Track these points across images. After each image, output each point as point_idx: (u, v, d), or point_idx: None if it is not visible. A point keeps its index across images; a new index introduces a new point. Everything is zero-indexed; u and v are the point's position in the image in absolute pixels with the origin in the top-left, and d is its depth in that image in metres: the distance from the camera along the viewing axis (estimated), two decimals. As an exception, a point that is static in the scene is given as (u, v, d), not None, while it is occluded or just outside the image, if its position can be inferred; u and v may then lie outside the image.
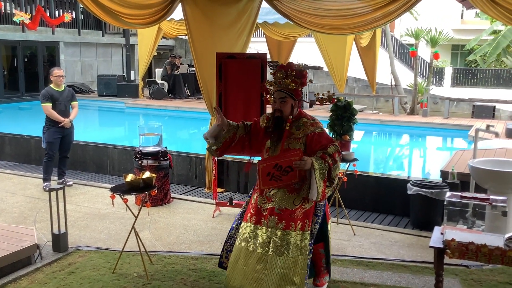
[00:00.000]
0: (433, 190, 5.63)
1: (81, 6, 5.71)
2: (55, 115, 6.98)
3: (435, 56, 14.99)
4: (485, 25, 23.75)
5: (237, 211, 6.24)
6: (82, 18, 21.14)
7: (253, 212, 3.81)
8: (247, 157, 6.86)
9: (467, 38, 25.75)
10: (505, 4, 5.02)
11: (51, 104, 6.98)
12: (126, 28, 15.38)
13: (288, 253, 3.63)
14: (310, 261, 3.75)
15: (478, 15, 22.82)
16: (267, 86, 3.86)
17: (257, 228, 3.75)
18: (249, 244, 3.74)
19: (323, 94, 4.02)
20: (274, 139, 3.81)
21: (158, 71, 19.02)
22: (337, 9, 6.00)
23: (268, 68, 7.71)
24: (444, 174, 6.07)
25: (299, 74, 3.72)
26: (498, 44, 21.12)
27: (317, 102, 4.07)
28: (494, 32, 22.74)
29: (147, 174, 4.62)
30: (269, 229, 3.69)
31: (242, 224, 3.89)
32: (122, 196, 4.38)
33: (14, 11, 16.83)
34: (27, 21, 16.21)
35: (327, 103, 4.00)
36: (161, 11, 6.34)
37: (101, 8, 5.54)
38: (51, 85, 7.14)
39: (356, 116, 6.93)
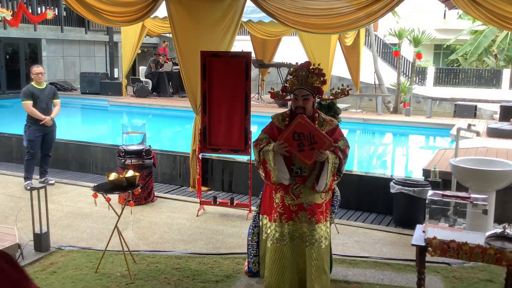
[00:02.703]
0: (415, 189, 5.68)
1: (64, 3, 5.64)
2: (36, 113, 6.89)
3: (418, 56, 15.13)
4: (467, 25, 24.02)
5: (221, 209, 6.24)
6: (64, 15, 20.91)
7: (282, 211, 3.89)
8: (234, 156, 6.90)
9: (449, 38, 26.01)
10: (486, 5, 5.08)
11: (32, 101, 6.89)
12: (109, 25, 15.27)
13: (320, 245, 3.84)
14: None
15: (460, 17, 23.04)
16: (287, 85, 3.92)
17: (289, 225, 3.87)
18: (284, 242, 3.88)
19: (338, 88, 4.04)
20: None
21: (142, 69, 18.89)
22: (321, 8, 6.02)
23: (252, 66, 7.69)
24: (426, 172, 6.14)
25: (320, 72, 3.86)
26: (479, 44, 21.38)
27: (331, 97, 4.11)
28: (475, 32, 23.01)
29: (130, 173, 4.60)
30: (302, 224, 3.84)
31: (269, 225, 3.99)
32: (105, 195, 4.35)
33: (-5, 7, 16.59)
34: (8, 18, 15.97)
35: (342, 96, 4.03)
36: (144, 9, 6.29)
37: (83, 5, 5.48)
38: (32, 83, 7.05)
39: (340, 115, 6.96)
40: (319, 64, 3.94)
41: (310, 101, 3.83)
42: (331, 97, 4.14)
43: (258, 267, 4.33)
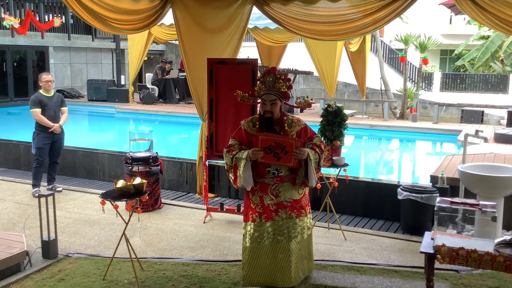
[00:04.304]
0: (423, 195, 5.66)
1: (71, 11, 5.69)
2: (45, 121, 6.93)
3: (424, 61, 15.10)
4: (473, 30, 23.99)
5: (228, 216, 6.25)
6: (72, 22, 21.05)
7: (261, 211, 4.13)
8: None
9: (455, 43, 25.99)
10: (493, 11, 5.08)
11: (40, 109, 6.93)
12: (115, 33, 15.39)
13: (303, 235, 4.19)
14: None
15: (469, 22, 23.00)
16: (256, 89, 4.15)
17: (270, 223, 4.11)
18: (264, 240, 4.12)
19: (304, 98, 4.24)
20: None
21: (149, 76, 18.98)
22: (327, 15, 6.03)
23: (258, 73, 7.72)
24: (433, 179, 6.11)
25: (286, 77, 4.12)
26: (487, 49, 21.32)
27: (295, 105, 4.29)
28: (482, 37, 22.95)
29: (137, 180, 4.61)
30: (282, 221, 4.11)
31: (247, 227, 4.20)
32: (112, 203, 4.36)
33: (3, 15, 16.75)
34: (16, 26, 16.13)
35: (305, 107, 4.27)
36: (151, 17, 6.33)
37: (90, 13, 5.52)
38: (40, 91, 7.10)
39: (346, 121, 6.96)
40: (293, 70, 4.18)
41: (278, 105, 4.09)
42: (294, 105, 4.28)
43: None
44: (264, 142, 3.97)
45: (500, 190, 5.01)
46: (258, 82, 4.15)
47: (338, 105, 5.98)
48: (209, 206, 6.30)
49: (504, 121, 12.79)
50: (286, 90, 4.09)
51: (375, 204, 6.48)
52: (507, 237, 3.33)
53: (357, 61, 14.91)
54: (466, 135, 6.02)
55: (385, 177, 9.81)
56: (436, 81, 23.17)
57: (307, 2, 5.98)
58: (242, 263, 4.25)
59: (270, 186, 4.11)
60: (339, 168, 5.60)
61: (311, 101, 4.26)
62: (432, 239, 3.49)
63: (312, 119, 11.79)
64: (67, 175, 8.50)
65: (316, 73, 14.88)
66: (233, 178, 4.18)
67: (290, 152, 3.94)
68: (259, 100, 4.22)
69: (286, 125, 4.14)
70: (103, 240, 5.45)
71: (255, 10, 6.55)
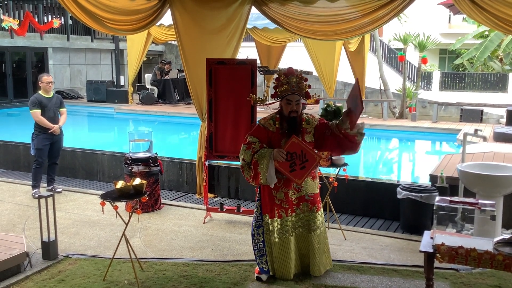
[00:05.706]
0: (422, 194, 5.66)
1: (69, 12, 5.69)
2: (44, 121, 6.93)
3: (423, 60, 15.10)
4: (472, 29, 24.01)
5: (228, 216, 6.25)
6: (71, 23, 21.06)
7: (287, 207, 4.33)
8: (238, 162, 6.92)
9: (454, 43, 25.99)
10: (492, 10, 5.08)
11: (40, 110, 6.93)
12: (113, 34, 15.40)
13: (320, 230, 4.43)
14: None
15: (465, 20, 23.02)
16: (281, 90, 4.26)
17: (292, 217, 4.35)
18: (290, 233, 4.34)
19: (312, 96, 4.39)
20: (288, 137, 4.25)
21: (148, 77, 18.98)
22: (326, 15, 6.03)
23: (258, 73, 7.73)
24: (433, 178, 6.12)
25: (305, 78, 4.33)
26: (486, 49, 21.34)
27: (306, 103, 4.44)
28: (482, 36, 22.97)
29: (137, 181, 4.61)
30: (303, 214, 4.39)
31: (271, 222, 4.32)
32: (112, 203, 4.37)
33: (2, 17, 16.72)
34: (15, 27, 16.11)
35: (315, 104, 4.44)
36: (149, 17, 6.33)
37: (87, 14, 5.52)
38: (40, 92, 7.10)
39: (345, 121, 6.96)
40: (301, 70, 4.36)
41: (300, 105, 4.29)
42: (305, 103, 4.41)
43: (268, 265, 4.44)
44: (292, 147, 4.06)
45: (499, 189, 5.02)
46: (283, 84, 4.26)
47: (337, 104, 5.98)
48: (208, 206, 6.31)
49: (503, 120, 12.80)
50: (307, 89, 4.29)
51: (374, 203, 6.48)
52: (506, 236, 3.33)
53: (356, 60, 14.93)
54: (465, 134, 6.03)
55: (385, 176, 9.82)
56: (435, 80, 23.19)
57: (305, 2, 5.98)
58: (273, 257, 4.36)
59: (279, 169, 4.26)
60: (338, 168, 5.61)
61: (318, 97, 4.41)
62: (431, 238, 3.50)
63: (311, 119, 11.76)
64: (67, 176, 8.50)
65: (315, 73, 14.87)
66: (252, 174, 4.21)
67: (308, 167, 4.11)
68: (270, 102, 4.38)
69: (304, 123, 4.32)
70: (103, 241, 5.45)
71: (254, 10, 6.55)
